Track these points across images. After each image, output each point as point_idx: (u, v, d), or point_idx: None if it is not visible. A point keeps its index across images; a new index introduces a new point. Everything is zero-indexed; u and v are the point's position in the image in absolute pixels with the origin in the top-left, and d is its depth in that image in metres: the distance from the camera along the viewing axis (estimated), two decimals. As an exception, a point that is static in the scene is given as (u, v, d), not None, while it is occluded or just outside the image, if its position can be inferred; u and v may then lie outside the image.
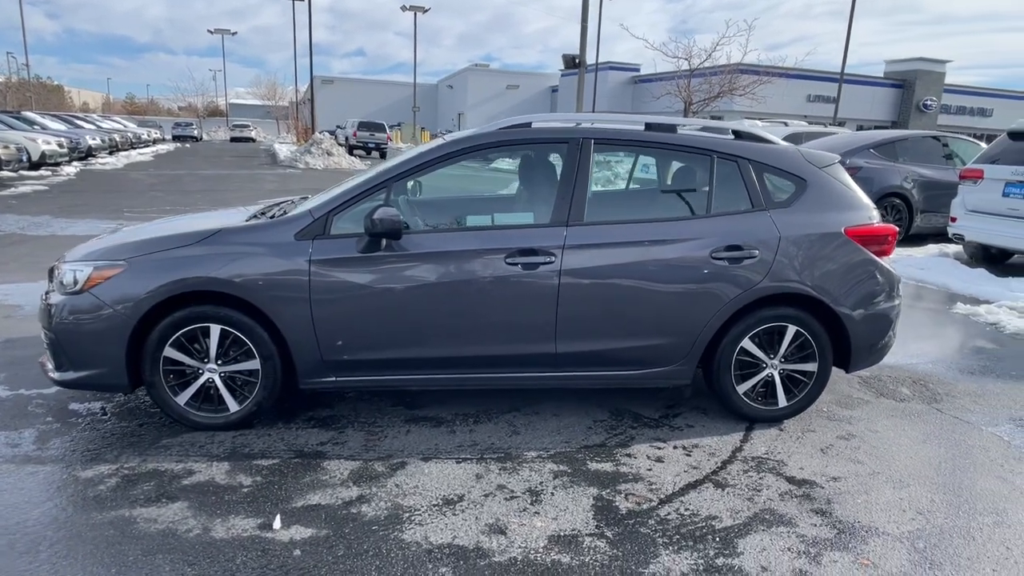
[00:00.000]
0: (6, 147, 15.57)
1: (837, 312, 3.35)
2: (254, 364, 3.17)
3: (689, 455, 3.14)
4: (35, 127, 20.03)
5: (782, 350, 3.40)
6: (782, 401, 3.46)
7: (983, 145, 9.76)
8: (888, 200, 9.12)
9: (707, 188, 3.38)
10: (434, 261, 3.15)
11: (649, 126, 3.49)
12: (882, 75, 40.01)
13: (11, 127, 18.32)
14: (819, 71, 30.44)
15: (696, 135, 3.49)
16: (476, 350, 3.25)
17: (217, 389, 3.19)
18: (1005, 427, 3.56)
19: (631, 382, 3.41)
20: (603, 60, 35.24)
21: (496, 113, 56.97)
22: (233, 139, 47.02)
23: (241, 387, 3.21)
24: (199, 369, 3.16)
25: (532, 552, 2.38)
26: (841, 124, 24.20)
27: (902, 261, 7.57)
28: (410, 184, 3.70)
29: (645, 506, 2.70)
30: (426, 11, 48.43)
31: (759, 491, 2.84)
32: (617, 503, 2.71)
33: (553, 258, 3.17)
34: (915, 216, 9.35)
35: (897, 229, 3.56)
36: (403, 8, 47.82)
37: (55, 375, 3.19)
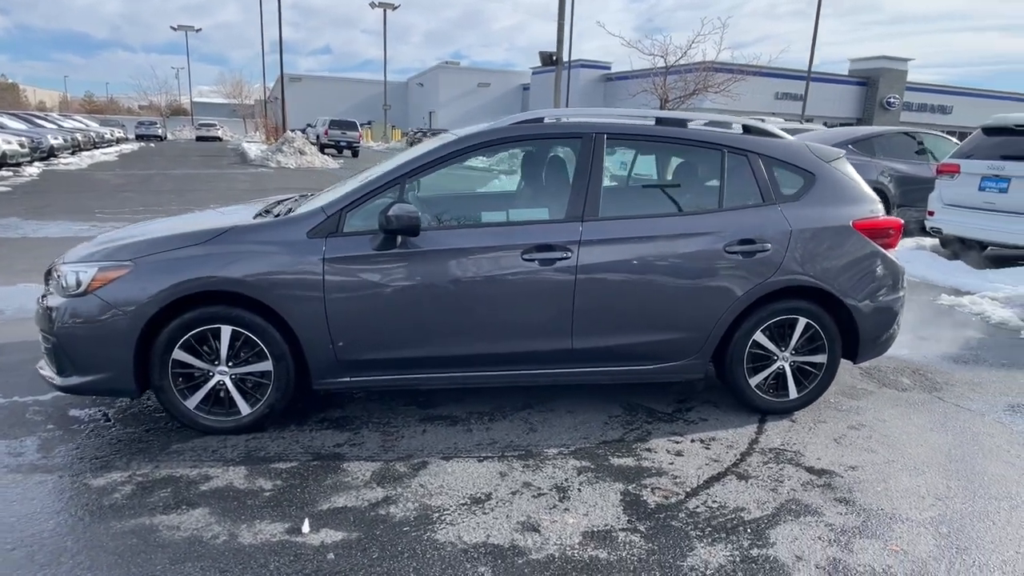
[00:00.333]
0: (-35, 147, 15.00)
1: (846, 304, 3.40)
2: (266, 365, 3.09)
3: (708, 448, 3.16)
4: (-6, 126, 19.33)
5: (793, 342, 3.44)
6: (793, 393, 3.51)
7: (955, 141, 10.04)
8: (866, 195, 9.30)
9: (718, 183, 3.40)
10: (450, 258, 3.12)
11: (660, 121, 3.50)
12: (847, 73, 40.91)
13: (-31, 126, 17.65)
14: (787, 69, 31.01)
15: (707, 130, 3.51)
16: (493, 347, 3.22)
17: (228, 392, 3.11)
18: (1005, 414, 3.66)
19: (646, 377, 3.42)
20: (574, 58, 35.31)
21: (467, 111, 56.85)
22: (199, 138, 46.00)
23: (252, 389, 3.13)
24: (209, 372, 3.07)
25: (568, 549, 2.36)
26: (809, 121, 24.68)
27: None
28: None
29: (673, 500, 2.71)
30: (396, 8, 47.95)
31: (781, 482, 2.87)
32: (645, 497, 2.72)
33: (570, 253, 3.16)
34: (892, 210, 9.56)
35: (902, 222, 3.63)
36: (372, 5, 47.27)
37: (57, 381, 3.07)
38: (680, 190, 3.47)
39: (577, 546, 2.38)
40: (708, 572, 2.26)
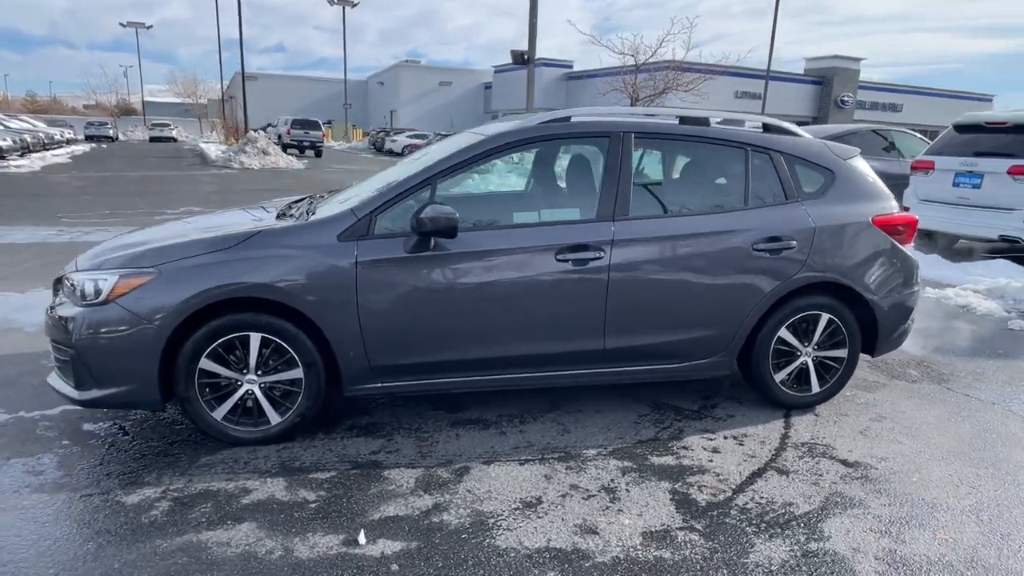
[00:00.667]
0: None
1: (867, 299, 3.48)
2: (296, 373, 3.00)
3: (742, 444, 3.19)
4: (-62, 127, 18.37)
5: (816, 338, 3.51)
6: (815, 387, 3.57)
7: (923, 139, 10.39)
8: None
9: (743, 181, 3.44)
10: (485, 259, 3.08)
11: (683, 120, 3.52)
12: (803, 72, 42.00)
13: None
14: (747, 68, 31.63)
15: (730, 129, 3.54)
16: (526, 349, 3.19)
17: (256, 401, 3.01)
18: (1014, 402, 3.79)
19: (675, 375, 3.44)
20: (536, 57, 35.34)
21: (429, 110, 56.50)
22: (153, 139, 44.54)
23: (281, 398, 3.04)
24: (237, 381, 2.97)
25: (631, 550, 2.36)
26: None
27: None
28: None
29: (721, 497, 2.73)
30: (355, 5, 47.34)
31: (820, 476, 2.92)
32: (693, 496, 2.73)
33: (602, 253, 3.15)
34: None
35: (916, 218, 3.73)
36: (330, 2, 46.53)
37: (75, 395, 2.93)
38: (706, 189, 3.50)
39: (639, 547, 2.38)
40: (773, 568, 2.28)
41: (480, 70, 59.81)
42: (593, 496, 2.70)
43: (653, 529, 2.49)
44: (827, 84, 40.85)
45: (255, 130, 28.48)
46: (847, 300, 3.50)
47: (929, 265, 7.46)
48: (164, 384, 2.90)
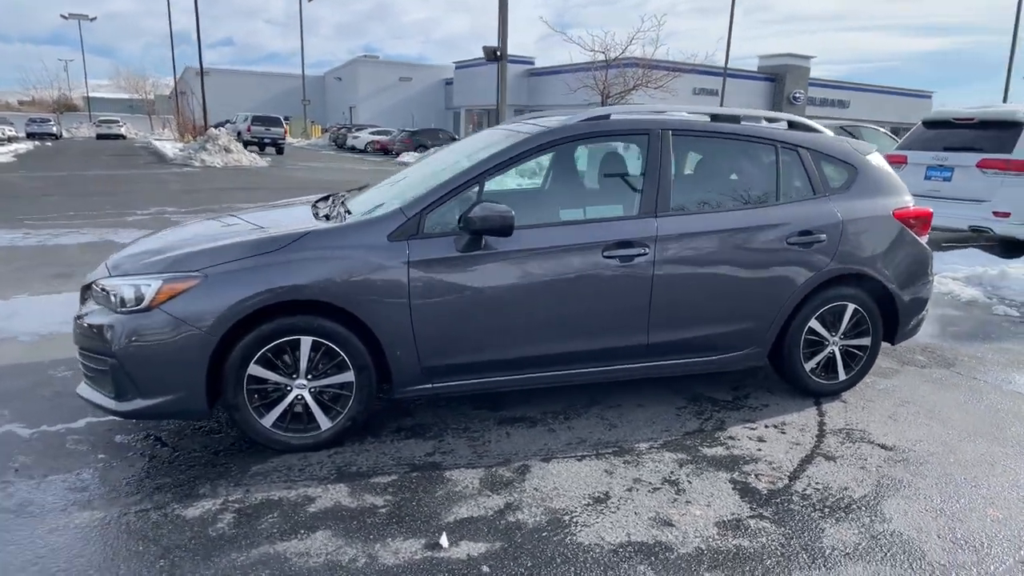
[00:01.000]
0: None
1: (889, 289, 3.61)
2: (347, 376, 2.95)
3: (784, 433, 3.28)
4: None
5: (842, 327, 3.62)
6: (842, 375, 3.69)
7: (890, 135, 10.78)
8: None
9: (775, 177, 3.53)
10: (535, 257, 3.08)
11: (715, 117, 3.58)
12: (756, 70, 43.00)
13: None
14: (703, 65, 32.26)
15: (760, 126, 3.62)
16: (574, 345, 3.21)
17: (306, 406, 2.95)
18: (1019, 384, 3.99)
19: (712, 367, 3.50)
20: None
21: (389, 106, 55.81)
22: (100, 136, 42.77)
23: (331, 402, 2.98)
24: (287, 386, 2.90)
25: (710, 540, 2.40)
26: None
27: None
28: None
29: (780, 484, 2.80)
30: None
31: (866, 460, 3.02)
32: (753, 484, 2.79)
33: (647, 249, 3.19)
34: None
35: (931, 211, 3.88)
36: (286, -4, 45.53)
37: (113, 406, 2.82)
38: (740, 184, 3.57)
39: (717, 536, 2.42)
40: (848, 551, 2.36)
41: (440, 65, 59.29)
42: (658, 489, 2.74)
43: (725, 519, 2.54)
44: (780, 81, 41.90)
45: (215, 126, 27.66)
46: (871, 291, 3.63)
47: (907, 255, 7.76)
48: (210, 392, 2.81)
